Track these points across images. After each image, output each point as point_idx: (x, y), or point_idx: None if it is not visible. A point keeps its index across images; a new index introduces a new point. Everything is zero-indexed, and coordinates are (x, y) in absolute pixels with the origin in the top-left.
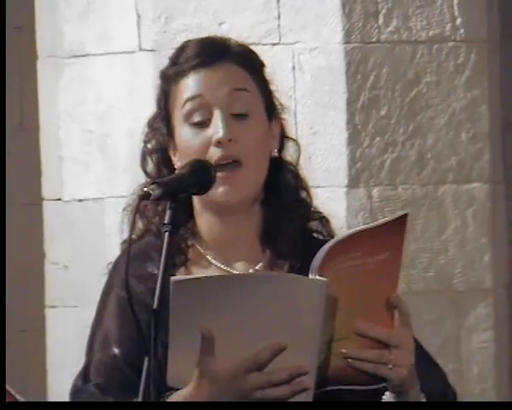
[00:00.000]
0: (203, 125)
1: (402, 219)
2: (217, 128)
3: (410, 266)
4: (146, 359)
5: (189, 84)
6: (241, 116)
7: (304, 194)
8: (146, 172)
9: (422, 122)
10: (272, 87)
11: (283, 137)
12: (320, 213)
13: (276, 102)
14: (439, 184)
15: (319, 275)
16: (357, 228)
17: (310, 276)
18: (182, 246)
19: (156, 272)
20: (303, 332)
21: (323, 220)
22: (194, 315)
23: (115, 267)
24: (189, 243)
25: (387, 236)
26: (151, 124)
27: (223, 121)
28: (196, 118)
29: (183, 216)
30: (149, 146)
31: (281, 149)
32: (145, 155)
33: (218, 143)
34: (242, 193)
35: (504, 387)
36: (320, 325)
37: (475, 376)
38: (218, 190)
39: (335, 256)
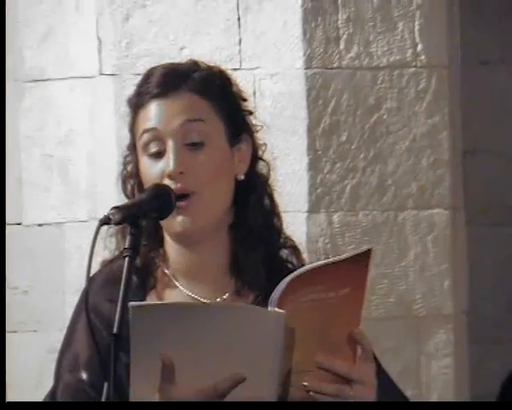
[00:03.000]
0: (159, 155)
1: (365, 254)
2: (168, 161)
3: (369, 292)
4: (105, 383)
5: (147, 116)
6: (195, 145)
7: (275, 219)
8: (127, 196)
9: (383, 148)
10: (243, 107)
11: (255, 158)
12: (291, 241)
13: (247, 123)
14: (399, 209)
15: (278, 307)
16: (320, 262)
17: (269, 308)
18: (152, 269)
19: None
20: (262, 363)
21: (294, 250)
22: (154, 341)
23: (86, 290)
24: (160, 268)
25: (350, 270)
26: (129, 148)
27: (174, 154)
28: (152, 149)
29: (155, 241)
30: (127, 170)
31: (251, 171)
32: (125, 179)
33: (170, 177)
34: (199, 223)
35: None
36: (279, 357)
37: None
38: (176, 220)
39: (296, 289)
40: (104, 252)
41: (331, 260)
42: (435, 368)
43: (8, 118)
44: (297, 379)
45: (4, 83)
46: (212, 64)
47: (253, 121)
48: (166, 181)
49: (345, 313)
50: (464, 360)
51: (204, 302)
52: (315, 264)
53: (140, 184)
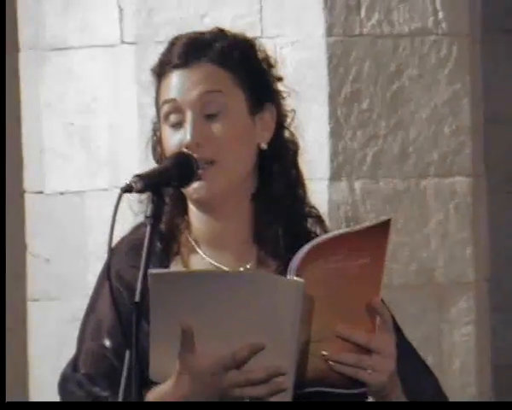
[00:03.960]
0: (179, 126)
1: (385, 225)
2: (186, 132)
3: (391, 259)
4: (127, 351)
5: (168, 86)
6: (213, 116)
7: (300, 190)
8: (157, 162)
9: (404, 116)
10: (269, 75)
11: (280, 126)
12: (315, 210)
13: (272, 91)
14: (420, 177)
15: (297, 276)
16: (339, 231)
17: (288, 276)
18: (177, 236)
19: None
20: (280, 332)
21: (319, 219)
22: (174, 309)
23: (112, 256)
24: (184, 234)
25: (369, 240)
26: (157, 115)
27: (191, 125)
28: (172, 119)
29: (180, 209)
30: (158, 135)
31: (275, 140)
32: (155, 144)
33: (187, 147)
34: (215, 189)
35: (486, 381)
36: (297, 326)
37: (457, 369)
38: (192, 187)
39: (315, 258)
40: (130, 217)
41: (350, 229)
42: (457, 336)
43: (29, 86)
44: (316, 348)
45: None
46: (237, 32)
47: (281, 88)
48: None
49: (364, 283)
50: (486, 327)
51: (223, 270)
52: (334, 233)
53: (163, 151)
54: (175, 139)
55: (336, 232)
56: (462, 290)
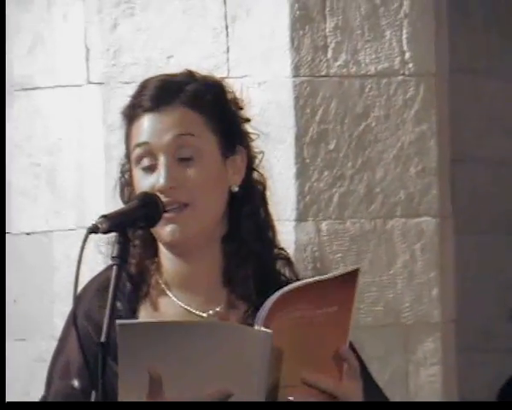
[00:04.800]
0: (151, 169)
1: (353, 274)
2: (159, 176)
3: (358, 300)
4: (93, 392)
5: (139, 129)
6: (186, 160)
7: (268, 232)
8: (125, 203)
9: (371, 156)
10: (239, 116)
11: (249, 169)
12: (285, 252)
13: (242, 133)
14: (387, 217)
15: (265, 326)
16: (307, 280)
17: (256, 326)
18: (146, 278)
19: (119, 304)
20: (248, 381)
21: (287, 262)
22: (141, 357)
23: (79, 297)
24: (154, 277)
25: (338, 289)
26: (126, 156)
27: (164, 169)
28: (144, 163)
29: (151, 251)
30: (126, 177)
31: (245, 182)
32: (123, 186)
33: (160, 191)
34: (189, 232)
35: None
36: (265, 375)
37: None
38: (165, 230)
39: (283, 307)
40: (99, 259)
41: (318, 278)
42: (423, 376)
43: None
44: (283, 394)
45: (4, 90)
46: (207, 74)
47: (250, 130)
48: (159, 194)
49: (332, 331)
50: (452, 368)
51: (190, 320)
52: (302, 282)
53: (133, 193)
54: (147, 182)
55: (304, 281)
56: (429, 331)
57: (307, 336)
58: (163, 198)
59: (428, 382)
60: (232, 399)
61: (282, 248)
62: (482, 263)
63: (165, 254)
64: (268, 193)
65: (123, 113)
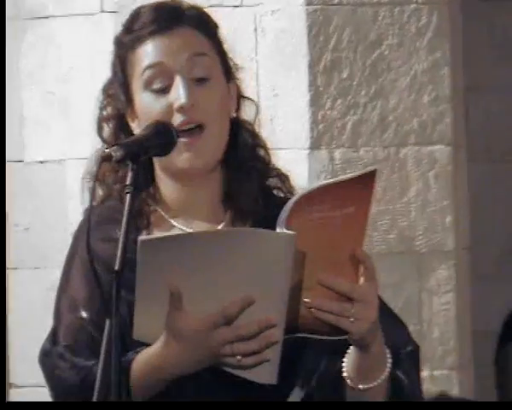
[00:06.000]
0: (164, 91)
1: (370, 175)
2: (178, 94)
3: (371, 227)
4: (107, 320)
5: (148, 52)
6: (201, 80)
7: (261, 152)
8: (102, 139)
9: (384, 84)
10: (226, 47)
11: (240, 97)
12: (278, 169)
13: (231, 63)
14: (400, 146)
15: (286, 228)
16: (325, 181)
17: (277, 229)
18: (144, 210)
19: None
20: (271, 285)
21: (282, 177)
22: (162, 273)
23: (78, 232)
24: (151, 207)
25: (355, 190)
26: (106, 90)
27: (184, 87)
28: (157, 85)
29: (145, 180)
30: (105, 113)
31: (238, 109)
32: (101, 121)
33: (181, 109)
34: (206, 158)
35: (465, 349)
36: (288, 278)
37: (437, 338)
38: (183, 157)
39: (302, 209)
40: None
41: (336, 179)
42: (436, 304)
43: (8, 55)
44: (300, 296)
45: (4, 22)
46: (193, 3)
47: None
48: (176, 115)
49: (348, 233)
50: (465, 296)
51: (212, 230)
52: (321, 183)
53: (124, 125)
54: (161, 104)
55: (323, 183)
56: (442, 259)
57: (324, 237)
58: (181, 118)
59: (442, 310)
60: (254, 305)
61: (276, 166)
62: (495, 191)
63: (164, 182)
64: (263, 120)
65: (118, 41)
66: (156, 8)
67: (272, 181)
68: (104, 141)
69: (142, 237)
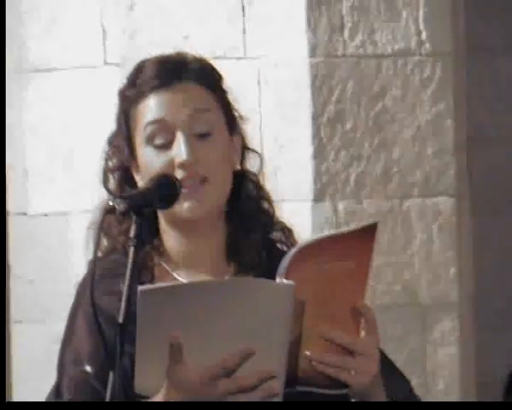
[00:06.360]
0: (166, 147)
1: (371, 229)
2: (180, 150)
3: (375, 280)
4: (111, 373)
5: (150, 107)
6: (203, 135)
7: (266, 205)
8: (108, 190)
9: (388, 136)
10: (231, 99)
11: (244, 148)
12: (282, 223)
13: (236, 114)
14: (404, 198)
15: (286, 278)
16: (325, 234)
17: (277, 280)
18: (148, 264)
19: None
20: (271, 336)
21: (286, 231)
22: (162, 323)
23: (82, 285)
24: (155, 260)
25: (355, 243)
26: (111, 141)
27: (185, 143)
28: (158, 140)
29: (149, 233)
30: (110, 164)
31: (242, 161)
32: (106, 172)
33: (182, 165)
34: (207, 207)
35: (470, 401)
36: (288, 329)
37: (441, 390)
38: (184, 206)
39: (302, 260)
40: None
41: (336, 232)
42: (441, 356)
43: (12, 108)
44: (301, 349)
45: (4, 74)
46: (198, 56)
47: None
48: (177, 171)
49: (349, 286)
50: (470, 347)
51: (212, 279)
52: (321, 235)
53: (128, 177)
54: (162, 159)
55: (323, 235)
56: (446, 311)
57: (325, 289)
58: (182, 173)
59: (446, 362)
60: (255, 357)
61: (280, 220)
62: (499, 243)
63: (168, 234)
64: (266, 172)
65: (122, 94)
66: (159, 62)
67: (276, 235)
68: (109, 192)
69: (142, 286)
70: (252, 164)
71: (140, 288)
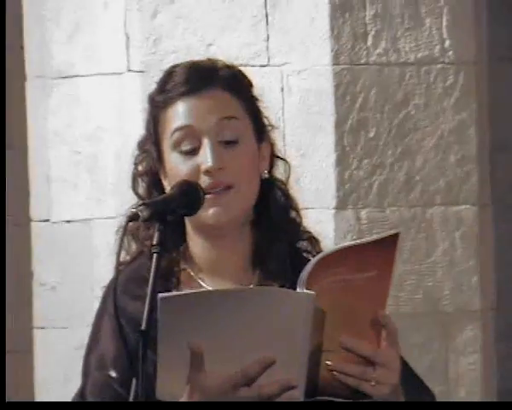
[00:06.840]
0: (192, 153)
1: (393, 238)
2: (206, 157)
3: (397, 288)
4: (134, 379)
5: (178, 113)
6: (230, 143)
7: (293, 213)
8: (137, 194)
9: (411, 144)
10: (260, 107)
11: (273, 157)
12: (309, 232)
13: (266, 122)
14: (427, 206)
15: (306, 288)
16: (347, 243)
17: (297, 289)
18: (174, 269)
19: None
20: (291, 345)
21: (313, 240)
22: (183, 331)
23: (108, 290)
24: (182, 266)
25: (377, 253)
26: (141, 146)
27: (211, 150)
28: (185, 146)
29: (176, 239)
30: (140, 168)
31: (271, 169)
32: (136, 176)
33: (208, 172)
34: (232, 214)
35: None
36: (308, 338)
37: (463, 398)
38: (209, 212)
39: (323, 270)
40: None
41: (358, 241)
42: (463, 364)
43: (36, 115)
44: (322, 359)
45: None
46: (228, 63)
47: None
48: (203, 177)
49: (371, 296)
50: (492, 356)
51: (232, 288)
52: (343, 245)
53: (157, 181)
54: (188, 166)
55: (345, 244)
56: (469, 319)
57: (346, 300)
58: (207, 180)
59: (468, 370)
60: (275, 365)
61: (307, 229)
62: None
63: (194, 241)
64: (291, 179)
65: (151, 100)
66: (189, 68)
67: (302, 244)
68: (139, 196)
69: (162, 294)
70: (280, 171)
71: (160, 295)
